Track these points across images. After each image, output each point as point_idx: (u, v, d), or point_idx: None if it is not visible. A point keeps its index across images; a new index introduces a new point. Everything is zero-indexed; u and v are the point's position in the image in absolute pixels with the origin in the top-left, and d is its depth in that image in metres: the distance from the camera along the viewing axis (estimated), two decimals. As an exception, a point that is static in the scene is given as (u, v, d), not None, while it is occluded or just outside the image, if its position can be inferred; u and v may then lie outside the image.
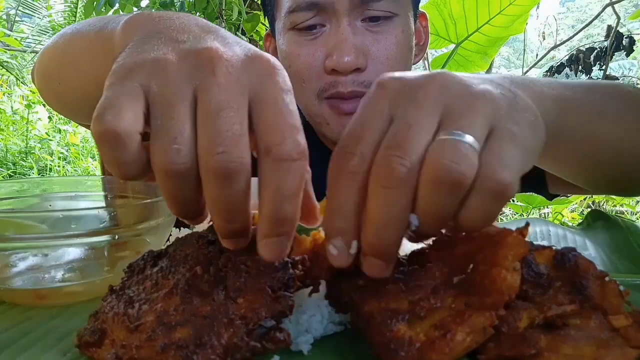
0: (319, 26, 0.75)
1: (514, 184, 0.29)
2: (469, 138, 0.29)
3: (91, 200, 0.58)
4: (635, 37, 2.52)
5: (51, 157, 4.44)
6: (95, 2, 2.09)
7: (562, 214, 2.97)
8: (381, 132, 0.31)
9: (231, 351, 0.29)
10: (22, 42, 5.40)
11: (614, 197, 3.28)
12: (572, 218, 3.06)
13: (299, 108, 0.96)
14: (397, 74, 0.34)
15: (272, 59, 0.32)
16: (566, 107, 0.45)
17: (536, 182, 0.78)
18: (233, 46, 0.33)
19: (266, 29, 0.92)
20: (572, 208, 3.31)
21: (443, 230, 0.40)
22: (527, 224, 0.34)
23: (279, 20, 0.80)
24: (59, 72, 0.64)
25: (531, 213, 2.50)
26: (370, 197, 0.30)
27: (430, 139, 0.30)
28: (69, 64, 0.61)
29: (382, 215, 0.29)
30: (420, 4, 0.89)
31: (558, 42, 3.02)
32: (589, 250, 0.53)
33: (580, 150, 0.49)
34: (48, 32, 5.68)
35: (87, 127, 0.80)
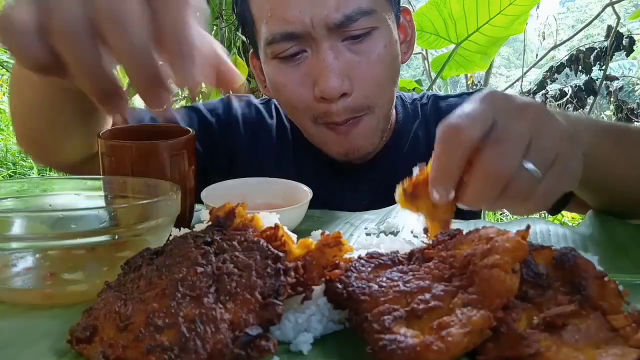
0: (301, 52, 0.75)
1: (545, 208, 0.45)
2: (538, 173, 0.42)
3: (91, 200, 0.58)
4: (635, 37, 2.52)
5: (51, 157, 4.43)
6: (95, 2, 2.09)
7: (562, 214, 2.97)
8: (485, 127, 0.42)
9: (215, 357, 0.29)
10: (22, 42, 5.40)
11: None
12: (572, 218, 3.06)
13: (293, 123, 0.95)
14: (500, 92, 0.47)
15: None
16: (597, 145, 0.55)
17: None
18: None
19: (250, 48, 0.91)
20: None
21: (442, 231, 0.40)
22: (528, 227, 0.34)
23: (262, 49, 0.80)
24: (18, 114, 0.70)
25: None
26: (476, 168, 0.42)
27: (523, 153, 0.42)
28: (20, 102, 0.67)
29: (475, 192, 0.43)
30: (420, 4, 0.89)
31: (558, 42, 3.03)
32: (589, 250, 0.53)
33: (608, 175, 0.59)
34: (48, 32, 5.68)
35: (64, 169, 0.80)
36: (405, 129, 0.92)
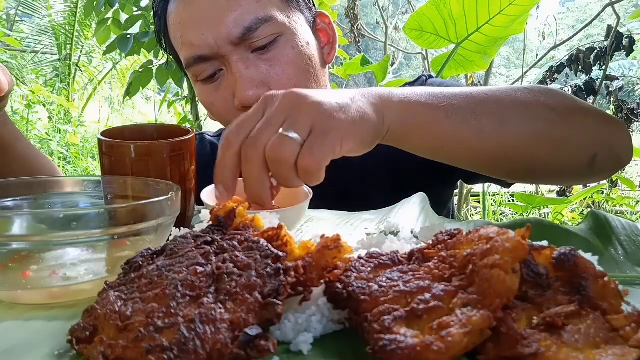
0: (218, 71, 0.81)
1: (315, 165, 0.48)
2: (293, 134, 0.48)
3: (91, 200, 0.58)
4: (635, 37, 2.52)
5: (51, 157, 4.44)
6: (95, 2, 2.09)
7: (562, 214, 2.97)
8: (248, 127, 0.51)
9: (215, 357, 0.29)
10: (22, 42, 5.41)
11: (613, 197, 3.28)
12: (572, 218, 3.06)
13: None
14: (274, 91, 0.53)
15: None
16: (410, 110, 0.58)
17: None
18: None
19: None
20: (572, 208, 3.31)
21: (444, 230, 0.40)
22: (529, 227, 0.34)
23: (188, 73, 0.86)
24: None
25: (531, 213, 2.50)
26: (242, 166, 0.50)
27: (276, 130, 0.49)
28: None
29: (247, 177, 0.50)
30: (420, 4, 0.90)
31: (558, 42, 3.02)
32: (589, 250, 0.53)
33: (427, 142, 0.61)
34: (48, 32, 5.68)
35: None
36: None
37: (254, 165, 0.49)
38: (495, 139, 0.61)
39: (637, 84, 4.42)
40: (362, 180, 0.93)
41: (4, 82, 0.59)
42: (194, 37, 0.78)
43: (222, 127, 1.13)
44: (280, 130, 0.48)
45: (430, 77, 1.01)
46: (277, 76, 0.78)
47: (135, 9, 2.07)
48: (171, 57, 0.93)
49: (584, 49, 2.70)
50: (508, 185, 0.88)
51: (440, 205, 0.99)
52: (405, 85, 1.01)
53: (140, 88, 2.09)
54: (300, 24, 0.83)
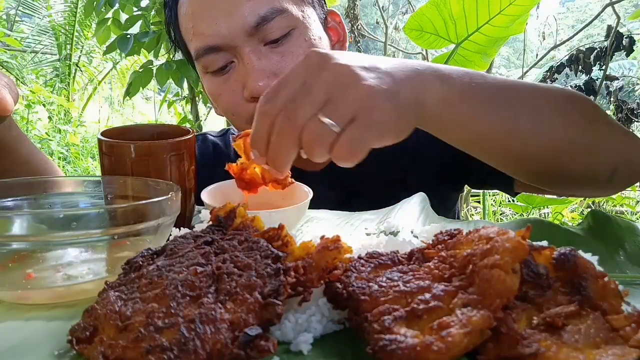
0: (229, 63, 0.80)
1: (351, 158, 0.48)
2: (332, 124, 0.47)
3: (91, 200, 0.58)
4: (635, 37, 2.52)
5: (51, 157, 4.44)
6: (95, 2, 2.09)
7: (562, 214, 2.97)
8: (294, 90, 0.49)
9: (215, 357, 0.29)
10: (22, 42, 5.41)
11: (613, 197, 3.27)
12: (572, 218, 3.06)
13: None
14: (322, 50, 0.51)
15: None
16: (452, 102, 0.55)
17: (502, 180, 0.80)
18: None
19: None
20: (572, 208, 3.31)
21: (444, 230, 0.40)
22: (529, 227, 0.34)
23: (197, 65, 0.86)
24: None
25: (531, 213, 2.50)
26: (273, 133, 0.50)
27: (316, 111, 0.47)
28: None
29: (275, 145, 0.50)
30: (420, 4, 0.90)
31: (558, 42, 3.02)
32: (589, 250, 0.53)
33: (462, 135, 0.60)
34: (48, 32, 5.69)
35: None
36: None
37: (286, 138, 0.49)
38: (529, 140, 0.60)
39: (637, 84, 4.42)
40: (369, 182, 0.92)
41: (10, 102, 0.58)
42: (206, 27, 0.77)
43: (224, 126, 1.13)
44: (320, 115, 0.47)
45: None
46: (289, 67, 0.77)
47: (135, 9, 2.07)
48: (177, 51, 0.93)
49: (584, 49, 2.70)
50: (515, 193, 0.87)
51: (446, 210, 0.98)
52: None
53: (140, 88, 2.09)
54: (313, 19, 0.82)
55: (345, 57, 0.50)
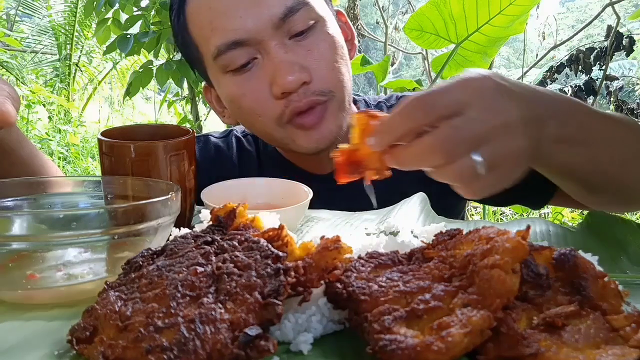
0: (251, 60, 0.75)
1: (474, 197, 0.48)
2: (483, 172, 0.44)
3: (91, 200, 0.58)
4: (635, 37, 2.52)
5: (51, 157, 4.44)
6: (95, 2, 2.09)
7: (562, 214, 2.97)
8: (448, 110, 0.44)
9: (214, 357, 0.29)
10: (22, 42, 5.41)
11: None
12: (572, 218, 3.06)
13: (253, 136, 0.98)
14: (494, 78, 0.47)
15: None
16: (567, 152, 0.54)
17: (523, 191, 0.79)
18: None
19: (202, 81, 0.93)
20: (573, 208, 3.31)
21: (444, 230, 0.40)
22: (529, 227, 0.34)
23: (211, 69, 0.80)
24: None
25: (531, 213, 2.50)
26: (426, 138, 0.44)
27: (473, 149, 0.44)
28: None
29: (412, 154, 0.45)
30: (420, 4, 0.90)
31: (558, 42, 3.02)
32: (589, 250, 0.53)
33: (560, 174, 0.59)
34: (48, 32, 5.68)
35: None
36: None
37: (430, 157, 0.45)
38: (611, 178, 0.60)
39: (637, 84, 4.42)
40: (388, 188, 0.88)
41: (13, 114, 0.57)
42: (228, 21, 0.73)
43: (226, 127, 1.10)
44: (477, 158, 0.43)
45: (406, 96, 0.97)
46: (316, 60, 0.75)
47: (135, 9, 2.07)
48: (177, 51, 0.91)
49: (584, 49, 2.70)
50: (538, 207, 0.86)
51: (454, 215, 0.96)
52: (379, 102, 0.98)
53: (140, 88, 2.09)
54: (331, 14, 0.81)
55: (516, 96, 0.47)
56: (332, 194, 0.75)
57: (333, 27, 0.79)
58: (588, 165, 0.57)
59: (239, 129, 1.01)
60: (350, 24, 0.93)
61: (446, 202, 0.72)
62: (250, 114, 0.79)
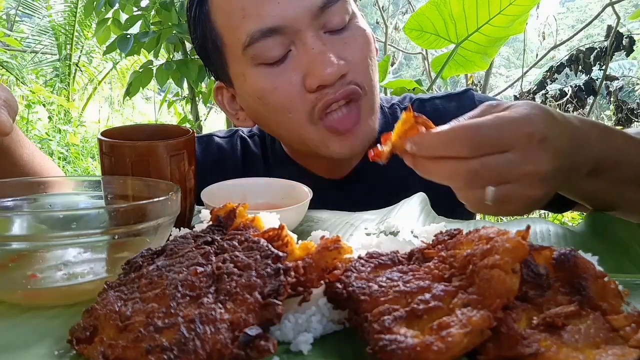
0: (286, 53, 0.71)
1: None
2: (490, 202, 0.47)
3: (91, 200, 0.58)
4: (635, 37, 2.52)
5: (51, 157, 4.44)
6: (95, 2, 2.09)
7: (562, 214, 2.97)
8: (492, 150, 0.46)
9: (214, 357, 0.29)
10: (22, 42, 5.41)
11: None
12: (572, 218, 3.06)
13: (260, 137, 0.94)
14: (535, 120, 0.47)
15: None
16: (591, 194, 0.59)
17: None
18: None
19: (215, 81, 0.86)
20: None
21: (444, 230, 0.40)
22: (528, 227, 0.34)
23: (236, 63, 0.75)
24: None
25: (531, 213, 2.50)
26: (447, 160, 0.47)
27: (493, 183, 0.47)
28: None
29: (436, 170, 0.49)
30: (420, 4, 0.89)
31: (558, 42, 3.02)
32: (589, 250, 0.53)
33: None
34: (48, 32, 5.68)
35: None
36: None
37: (446, 177, 0.49)
38: (633, 207, 0.63)
39: (637, 84, 4.42)
40: (401, 190, 0.83)
41: (8, 124, 0.55)
42: (264, 7, 0.69)
43: (232, 127, 1.05)
44: (490, 189, 0.46)
45: (420, 99, 0.95)
46: (352, 55, 0.72)
47: (135, 9, 2.07)
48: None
49: (584, 49, 2.71)
50: (561, 212, 0.86)
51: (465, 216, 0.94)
52: (449, 96, 0.94)
53: (140, 88, 2.09)
54: (358, 11, 0.79)
55: (558, 148, 0.48)
56: (341, 199, 0.75)
57: (363, 23, 0.77)
58: (610, 193, 0.60)
59: (245, 129, 0.97)
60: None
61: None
62: (280, 110, 0.74)
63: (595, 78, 2.84)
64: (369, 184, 0.87)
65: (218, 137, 0.97)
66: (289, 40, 0.70)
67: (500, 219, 3.02)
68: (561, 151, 0.48)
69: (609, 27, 2.54)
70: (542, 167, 0.47)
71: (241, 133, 0.97)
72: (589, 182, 0.56)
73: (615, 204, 0.63)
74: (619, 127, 0.63)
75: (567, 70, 2.82)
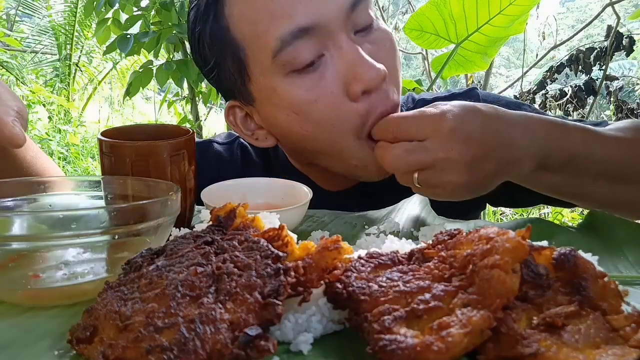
0: (319, 58, 0.63)
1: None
2: (417, 185, 0.59)
3: (91, 200, 0.58)
4: (635, 37, 2.52)
5: (51, 157, 4.44)
6: (95, 2, 2.09)
7: (562, 214, 2.97)
8: (409, 137, 0.57)
9: (214, 357, 0.29)
10: (22, 42, 5.41)
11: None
12: (572, 218, 3.06)
13: (276, 147, 0.86)
14: (445, 117, 0.56)
15: None
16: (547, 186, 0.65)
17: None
18: None
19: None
20: (572, 208, 3.31)
21: (444, 230, 0.40)
22: (529, 227, 0.34)
23: (262, 76, 0.66)
24: None
25: (531, 213, 2.50)
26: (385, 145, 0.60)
27: (415, 169, 0.58)
28: None
29: (387, 160, 0.59)
30: (420, 4, 0.88)
31: (558, 42, 3.02)
32: (589, 250, 0.54)
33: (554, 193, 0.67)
34: (48, 32, 5.68)
35: None
36: None
37: (384, 163, 0.60)
38: (602, 201, 0.66)
39: (637, 84, 4.42)
40: (399, 193, 0.79)
41: (22, 137, 0.56)
42: (295, 6, 0.62)
43: (230, 132, 1.01)
44: (415, 175, 0.57)
45: (423, 99, 0.90)
46: (383, 57, 0.65)
47: (135, 9, 2.07)
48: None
49: (584, 49, 2.70)
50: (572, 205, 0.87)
51: (470, 216, 0.92)
52: (453, 95, 0.89)
53: (140, 88, 2.09)
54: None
55: (472, 141, 0.56)
56: (345, 211, 0.74)
57: (384, 24, 0.71)
58: (574, 187, 0.64)
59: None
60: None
61: (466, 203, 0.66)
62: (324, 123, 0.65)
63: (595, 78, 2.84)
64: (369, 198, 0.86)
65: (217, 144, 0.91)
66: (321, 44, 0.63)
67: (500, 219, 3.02)
68: (474, 140, 0.55)
69: (609, 27, 2.54)
70: (453, 154, 0.55)
71: (242, 140, 0.91)
72: (546, 176, 0.62)
73: (587, 198, 0.67)
74: (580, 123, 0.66)
75: (567, 70, 2.82)
